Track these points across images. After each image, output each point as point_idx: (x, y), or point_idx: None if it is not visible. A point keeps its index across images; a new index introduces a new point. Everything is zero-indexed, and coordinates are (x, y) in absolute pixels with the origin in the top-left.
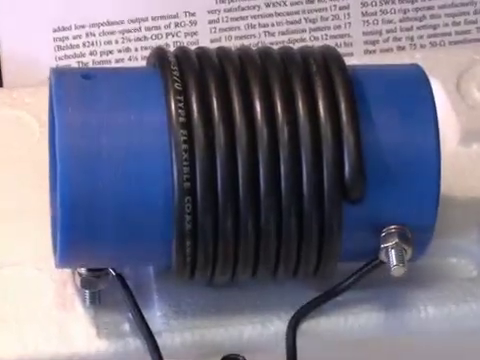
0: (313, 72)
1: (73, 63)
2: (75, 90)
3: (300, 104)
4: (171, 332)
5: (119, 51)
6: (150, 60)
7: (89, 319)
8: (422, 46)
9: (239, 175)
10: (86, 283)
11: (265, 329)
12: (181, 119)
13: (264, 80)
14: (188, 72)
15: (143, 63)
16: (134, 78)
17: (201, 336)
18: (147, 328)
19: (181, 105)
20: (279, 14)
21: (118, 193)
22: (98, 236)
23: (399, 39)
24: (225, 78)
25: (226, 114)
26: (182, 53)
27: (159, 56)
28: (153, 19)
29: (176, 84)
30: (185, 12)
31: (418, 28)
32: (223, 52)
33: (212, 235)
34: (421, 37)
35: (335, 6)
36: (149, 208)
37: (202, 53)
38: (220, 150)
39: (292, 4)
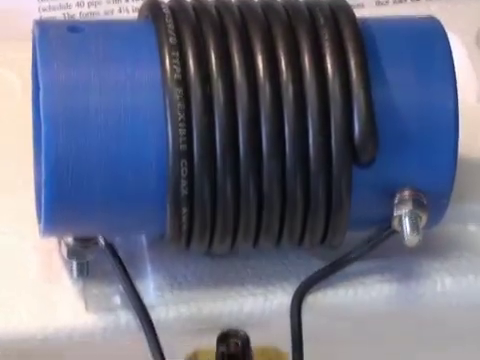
0: (320, 25)
1: (58, 15)
2: (61, 44)
3: (306, 59)
4: (165, 305)
5: (108, 2)
6: (142, 12)
7: (76, 292)
8: None
9: (239, 136)
10: (73, 253)
11: (268, 302)
12: (176, 76)
13: (267, 34)
14: (184, 25)
15: (135, 15)
16: (125, 31)
17: (198, 310)
18: (139, 301)
19: (176, 61)
20: None
21: (108, 156)
22: (86, 202)
23: None
24: (224, 31)
25: (225, 71)
26: (177, 4)
27: (152, 7)
28: None
29: (171, 38)
30: None
31: None
32: (222, 3)
33: (210, 201)
34: None
35: None
36: (141, 172)
37: (199, 4)
38: (219, 109)
39: None
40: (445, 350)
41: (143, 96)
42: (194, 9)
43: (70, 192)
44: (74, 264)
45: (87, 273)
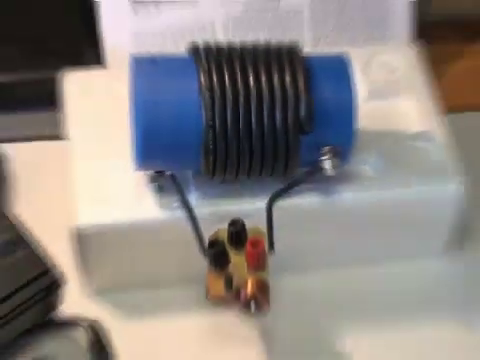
0: (284, 57)
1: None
2: (145, 67)
3: (276, 78)
4: (201, 207)
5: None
6: (189, 50)
7: (155, 200)
8: (342, 43)
9: (240, 118)
10: (153, 179)
11: (254, 205)
12: (206, 85)
13: (255, 64)
14: (211, 57)
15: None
16: (180, 61)
17: (218, 209)
18: (188, 205)
19: (206, 77)
20: None
21: (172, 127)
22: (161, 153)
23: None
24: (232, 63)
25: (233, 83)
26: (207, 47)
27: (192, 49)
28: None
29: (203, 65)
30: None
31: None
32: (231, 47)
33: (224, 153)
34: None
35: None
36: (190, 137)
37: (218, 46)
38: (229, 103)
39: None
40: (355, 237)
41: (190, 95)
42: (216, 50)
43: (152, 147)
44: (154, 186)
45: (160, 191)
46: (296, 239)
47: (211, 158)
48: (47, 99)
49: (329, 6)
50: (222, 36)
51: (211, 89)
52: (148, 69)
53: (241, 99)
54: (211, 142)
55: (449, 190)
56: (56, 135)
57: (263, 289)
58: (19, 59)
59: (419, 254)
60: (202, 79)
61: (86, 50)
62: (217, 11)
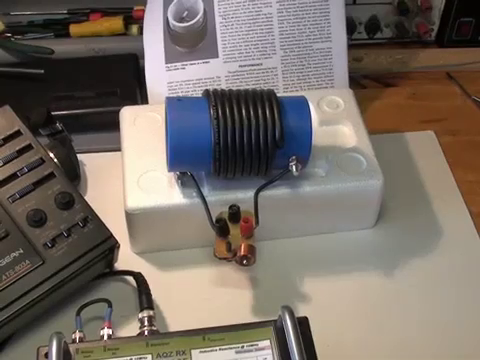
0: (265, 98)
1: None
2: (174, 104)
3: (260, 111)
4: (211, 196)
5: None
6: (203, 93)
7: (180, 191)
8: (303, 89)
9: (237, 138)
10: (179, 177)
11: (247, 194)
12: (214, 115)
13: (246, 103)
14: (217, 98)
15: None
16: (197, 101)
17: (222, 197)
18: (201, 194)
19: (215, 111)
20: None
21: (193, 143)
22: (184, 160)
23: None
24: (231, 100)
25: (232, 115)
26: (214, 91)
27: (205, 93)
28: None
29: (212, 102)
30: None
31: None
32: (230, 90)
33: (226, 160)
34: (301, 89)
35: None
36: (203, 150)
37: (222, 91)
38: (229, 128)
39: None
40: (311, 216)
41: (203, 122)
42: (221, 93)
43: (179, 156)
44: (179, 182)
45: (183, 185)
46: (273, 217)
47: (218, 163)
48: (111, 124)
49: (294, 65)
50: (224, 85)
51: (217, 119)
52: (176, 106)
53: (237, 126)
54: (217, 153)
55: (373, 185)
56: (115, 148)
57: (251, 250)
58: (96, 99)
59: (355, 227)
60: (212, 112)
61: (137, 94)
62: (221, 68)
